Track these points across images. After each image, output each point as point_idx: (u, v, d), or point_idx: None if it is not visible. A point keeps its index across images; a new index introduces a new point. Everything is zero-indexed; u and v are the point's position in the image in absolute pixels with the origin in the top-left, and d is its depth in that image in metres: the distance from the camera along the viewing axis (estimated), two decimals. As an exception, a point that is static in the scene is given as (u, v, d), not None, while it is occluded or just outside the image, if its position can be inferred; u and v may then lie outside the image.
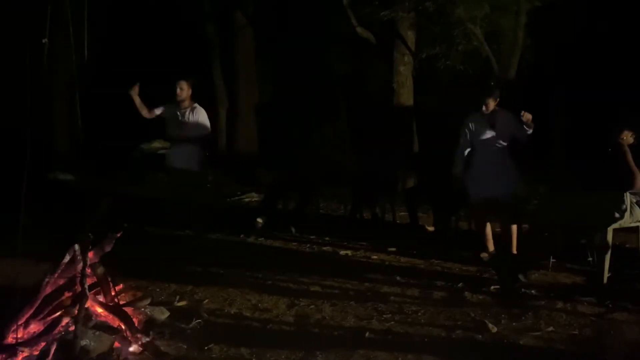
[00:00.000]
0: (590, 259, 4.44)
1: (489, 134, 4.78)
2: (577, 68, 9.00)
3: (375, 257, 5.04)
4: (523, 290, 4.08)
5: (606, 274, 4.13)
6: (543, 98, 9.13)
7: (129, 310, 3.24)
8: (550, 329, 3.40)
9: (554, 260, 4.52)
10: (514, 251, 4.74)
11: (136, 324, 3.14)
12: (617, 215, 4.14)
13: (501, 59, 7.98)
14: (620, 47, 8.70)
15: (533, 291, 4.06)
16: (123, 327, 3.04)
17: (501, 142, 4.76)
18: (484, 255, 4.87)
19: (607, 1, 8.40)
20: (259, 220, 5.82)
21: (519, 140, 4.74)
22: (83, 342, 2.81)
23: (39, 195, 4.07)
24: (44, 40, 3.44)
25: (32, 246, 3.27)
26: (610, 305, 3.74)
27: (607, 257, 4.12)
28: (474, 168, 4.88)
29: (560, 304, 3.79)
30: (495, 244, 4.93)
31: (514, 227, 4.77)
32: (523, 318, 3.56)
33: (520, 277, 4.23)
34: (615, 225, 4.17)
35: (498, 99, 4.78)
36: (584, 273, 4.42)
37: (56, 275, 3.02)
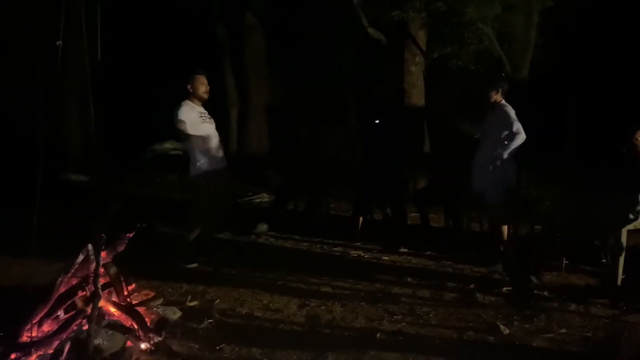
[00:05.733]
0: (604, 260, 4.40)
1: (485, 126, 4.70)
2: (590, 67, 8.92)
3: (386, 258, 5.03)
4: (535, 291, 4.05)
5: (620, 276, 4.09)
6: (555, 98, 9.07)
7: (141, 309, 3.26)
8: (563, 331, 3.37)
9: (566, 261, 4.49)
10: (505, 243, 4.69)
11: (148, 324, 3.16)
12: (631, 216, 4.11)
13: (513, 58, 7.93)
14: (634, 46, 8.61)
15: (545, 293, 4.03)
16: (136, 326, 3.06)
17: (494, 136, 4.59)
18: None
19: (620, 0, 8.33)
20: (264, 226, 5.84)
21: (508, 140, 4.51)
22: (96, 341, 2.83)
23: (52, 196, 4.12)
24: (58, 43, 3.48)
25: (45, 246, 3.31)
26: (624, 307, 3.70)
27: (621, 258, 4.09)
28: (473, 162, 4.81)
29: (573, 306, 3.76)
30: (507, 244, 4.87)
31: (504, 228, 4.68)
32: (535, 320, 3.53)
33: (533, 278, 4.20)
34: (630, 227, 4.13)
35: (500, 91, 4.65)
36: (597, 275, 4.38)
37: (70, 274, 3.04)
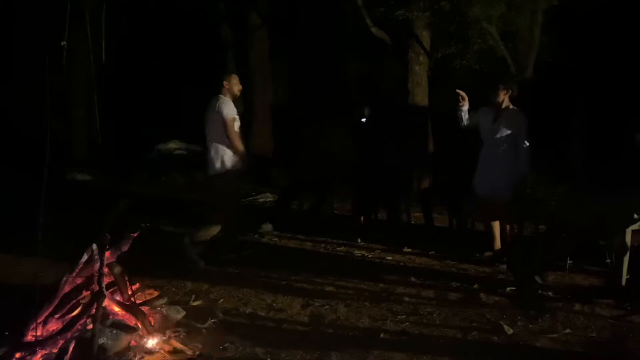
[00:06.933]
0: (609, 260, 4.38)
1: (491, 129, 4.66)
2: (595, 67, 8.88)
3: (389, 257, 5.03)
4: (540, 291, 4.04)
5: (625, 276, 4.07)
6: (560, 97, 9.03)
7: (145, 309, 3.27)
8: (568, 331, 3.36)
9: (571, 261, 4.47)
10: (498, 246, 4.77)
11: (152, 323, 3.17)
12: (636, 216, 4.09)
13: (518, 58, 7.90)
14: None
15: (550, 293, 4.02)
16: (140, 325, 3.08)
17: (502, 140, 4.61)
18: (488, 254, 4.82)
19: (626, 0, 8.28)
20: (269, 226, 5.86)
21: (516, 146, 4.60)
22: (101, 341, 2.85)
23: (58, 196, 4.14)
24: (62, 43, 3.49)
25: (51, 246, 3.32)
26: (629, 308, 3.69)
27: (626, 258, 4.07)
28: (479, 162, 4.82)
29: (577, 306, 3.75)
30: (511, 244, 4.87)
31: (505, 225, 4.77)
32: (540, 320, 3.53)
33: (537, 278, 4.19)
34: (634, 226, 4.11)
35: (509, 93, 4.64)
36: (602, 275, 4.36)
37: (74, 274, 3.06)
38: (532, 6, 7.50)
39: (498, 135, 4.62)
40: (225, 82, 4.86)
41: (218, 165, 4.73)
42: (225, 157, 4.72)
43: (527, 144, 4.59)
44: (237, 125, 4.79)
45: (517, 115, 4.62)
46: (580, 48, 8.66)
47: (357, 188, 5.89)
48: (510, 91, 4.65)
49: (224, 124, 4.69)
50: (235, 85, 4.90)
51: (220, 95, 4.82)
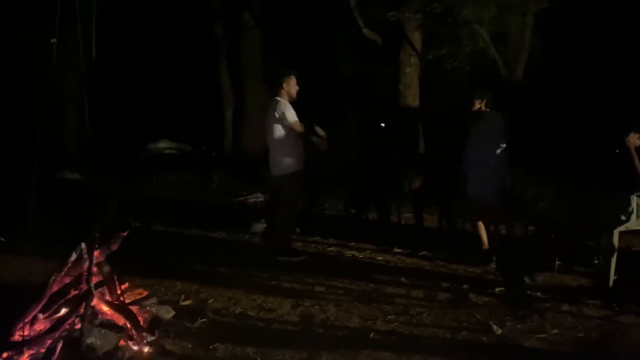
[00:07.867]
0: (597, 261, 4.42)
1: (473, 134, 4.86)
2: (586, 70, 8.96)
3: (380, 258, 5.04)
4: (528, 292, 4.07)
5: (612, 277, 4.11)
6: (552, 100, 9.10)
7: (134, 308, 3.25)
8: (556, 331, 3.39)
9: (560, 262, 4.51)
10: (486, 246, 4.83)
11: (142, 323, 3.15)
12: (623, 217, 4.12)
13: (508, 60, 7.97)
14: (630, 49, 8.64)
15: (539, 293, 4.05)
16: (129, 325, 3.05)
17: (483, 143, 4.78)
18: (477, 254, 4.86)
19: (616, 3, 8.36)
20: (259, 226, 5.86)
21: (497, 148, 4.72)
22: (89, 340, 2.82)
23: (47, 195, 4.11)
24: (52, 40, 3.48)
25: (40, 244, 3.30)
26: (616, 308, 3.72)
27: (614, 259, 4.10)
28: (469, 165, 4.94)
29: (566, 306, 3.78)
30: (500, 245, 4.91)
31: (495, 226, 4.89)
32: (528, 320, 3.55)
33: (526, 279, 4.22)
34: (622, 228, 4.15)
35: (485, 100, 4.81)
36: (590, 275, 4.40)
37: (63, 273, 3.03)
38: (523, 8, 7.57)
39: (480, 138, 4.80)
40: (284, 84, 4.81)
41: (280, 167, 4.78)
42: (286, 158, 4.76)
43: (504, 145, 4.72)
44: (299, 126, 4.78)
45: (493, 116, 4.82)
46: (572, 50, 8.74)
47: (349, 188, 5.91)
48: (484, 100, 4.84)
49: (289, 128, 4.71)
50: (293, 87, 4.86)
51: (278, 98, 4.79)
